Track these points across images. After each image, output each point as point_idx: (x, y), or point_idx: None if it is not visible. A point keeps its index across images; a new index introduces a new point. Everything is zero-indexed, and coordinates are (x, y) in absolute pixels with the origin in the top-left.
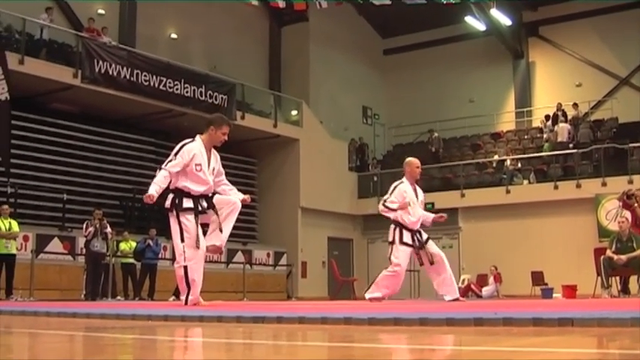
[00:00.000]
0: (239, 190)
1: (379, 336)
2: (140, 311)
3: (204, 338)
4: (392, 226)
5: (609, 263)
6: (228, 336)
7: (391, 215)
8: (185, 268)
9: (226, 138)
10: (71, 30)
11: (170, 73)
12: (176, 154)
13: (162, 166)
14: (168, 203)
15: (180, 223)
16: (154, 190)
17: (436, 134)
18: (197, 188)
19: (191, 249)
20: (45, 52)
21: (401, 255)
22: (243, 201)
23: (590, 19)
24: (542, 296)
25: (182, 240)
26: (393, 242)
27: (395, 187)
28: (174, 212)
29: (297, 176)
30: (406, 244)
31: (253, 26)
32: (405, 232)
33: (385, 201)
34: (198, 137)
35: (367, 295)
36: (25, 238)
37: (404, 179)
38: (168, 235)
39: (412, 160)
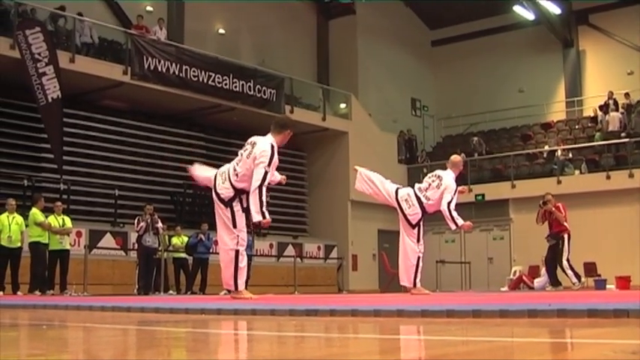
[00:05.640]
0: (288, 183)
1: (432, 328)
2: (193, 305)
3: (257, 331)
4: (420, 213)
5: None
6: (281, 329)
7: (432, 203)
8: (237, 252)
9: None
10: (120, 27)
11: (218, 69)
12: (271, 157)
13: (265, 168)
14: (227, 195)
15: (234, 213)
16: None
17: (475, 139)
18: None
19: (243, 236)
20: (94, 50)
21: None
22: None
23: None
24: (596, 287)
25: (234, 227)
26: (417, 227)
27: (456, 191)
28: (230, 208)
29: (347, 169)
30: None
31: (301, 20)
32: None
33: (450, 205)
34: (272, 139)
35: (418, 285)
36: (79, 234)
37: (453, 175)
38: None
39: (461, 160)
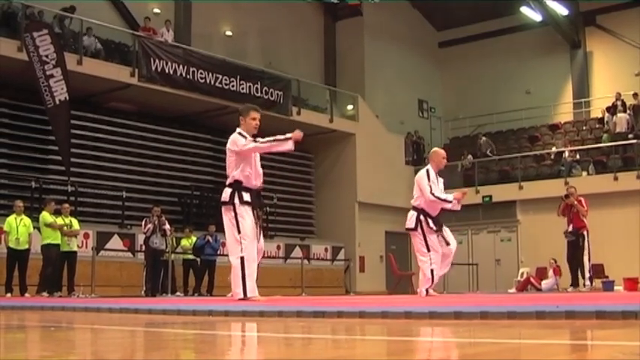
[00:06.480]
0: (295, 185)
1: (439, 330)
2: (201, 307)
3: (265, 333)
4: (415, 214)
5: None
6: (289, 330)
7: (420, 203)
8: (242, 259)
9: (258, 123)
10: (127, 29)
11: (226, 70)
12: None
13: (255, 141)
14: (226, 196)
15: (236, 216)
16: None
17: (483, 139)
18: (255, 181)
19: (248, 240)
20: (102, 52)
21: (434, 240)
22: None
23: None
24: (603, 289)
25: (239, 232)
26: (419, 229)
27: (435, 177)
28: (232, 206)
29: (354, 171)
30: (433, 230)
31: (308, 22)
32: (429, 219)
33: (433, 191)
34: (239, 130)
35: (431, 292)
36: (86, 236)
37: (430, 168)
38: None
39: (440, 151)
